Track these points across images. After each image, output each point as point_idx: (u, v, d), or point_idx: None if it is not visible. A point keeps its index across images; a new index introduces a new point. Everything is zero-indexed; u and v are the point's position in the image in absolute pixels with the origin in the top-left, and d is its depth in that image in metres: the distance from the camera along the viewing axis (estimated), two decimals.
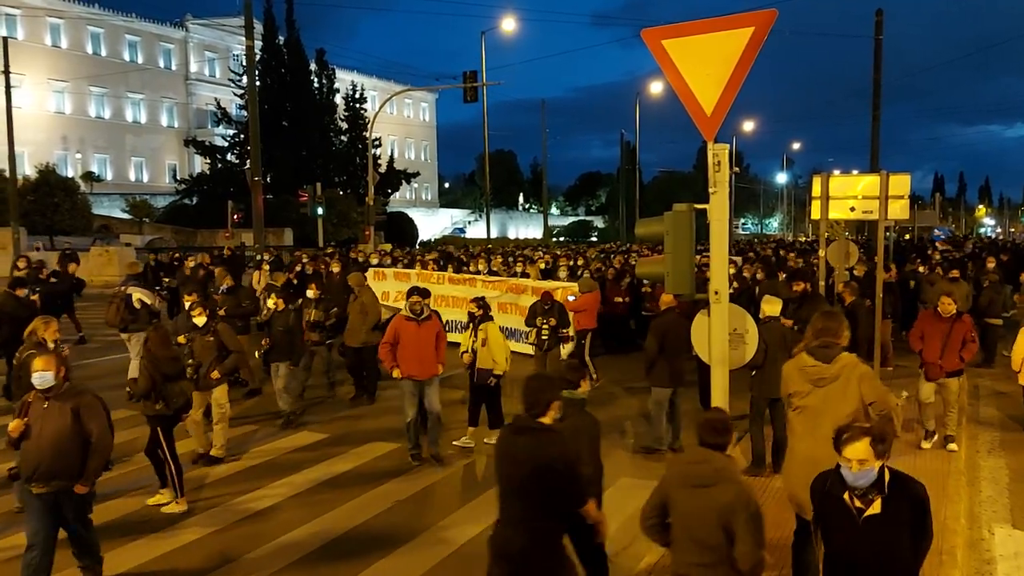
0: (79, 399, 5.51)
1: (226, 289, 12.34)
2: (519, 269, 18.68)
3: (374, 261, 20.66)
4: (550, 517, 4.26)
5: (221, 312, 11.15)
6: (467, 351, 9.35)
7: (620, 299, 15.49)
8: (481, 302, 9.56)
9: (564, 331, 11.90)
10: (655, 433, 9.20)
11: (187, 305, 9.36)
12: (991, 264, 16.22)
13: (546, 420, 4.40)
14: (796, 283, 10.01)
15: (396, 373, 8.75)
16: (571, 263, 21.03)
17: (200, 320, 8.84)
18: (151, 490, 7.66)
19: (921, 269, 17.40)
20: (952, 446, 8.96)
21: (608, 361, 14.46)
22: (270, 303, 10.66)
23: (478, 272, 18.03)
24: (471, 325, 9.44)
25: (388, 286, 17.73)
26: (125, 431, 9.32)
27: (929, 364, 9.03)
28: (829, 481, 3.89)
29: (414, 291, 8.94)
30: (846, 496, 3.80)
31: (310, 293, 11.87)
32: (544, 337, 11.61)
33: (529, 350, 12.74)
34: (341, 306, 12.35)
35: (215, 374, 8.72)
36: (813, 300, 9.72)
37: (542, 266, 19.65)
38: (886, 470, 3.79)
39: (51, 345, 7.28)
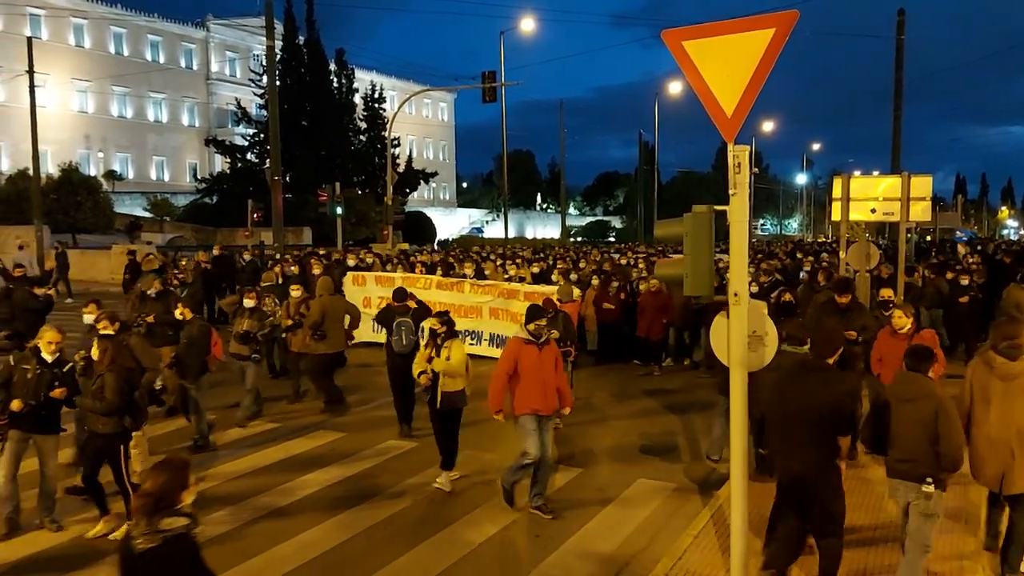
0: None
1: (156, 294, 11.24)
2: (512, 272, 17.32)
3: (351, 263, 18.74)
4: (830, 441, 5.27)
5: (149, 319, 10.51)
6: (425, 372, 8.09)
7: (609, 305, 14.44)
8: (445, 317, 8.29)
9: (567, 346, 10.19)
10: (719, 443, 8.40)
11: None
12: None
13: (830, 362, 5.49)
14: (842, 295, 8.84)
15: (501, 418, 7.42)
16: (569, 266, 19.52)
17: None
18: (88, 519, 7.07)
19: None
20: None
21: (600, 372, 14.04)
22: (177, 313, 9.60)
23: (465, 276, 16.48)
24: (432, 342, 8.15)
25: (369, 291, 16.03)
26: None
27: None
28: None
29: (536, 312, 7.54)
30: None
31: (247, 302, 10.63)
32: None
33: None
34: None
35: None
36: (859, 310, 9.00)
37: (536, 270, 17.69)
38: None
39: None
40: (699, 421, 10.56)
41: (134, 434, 7.15)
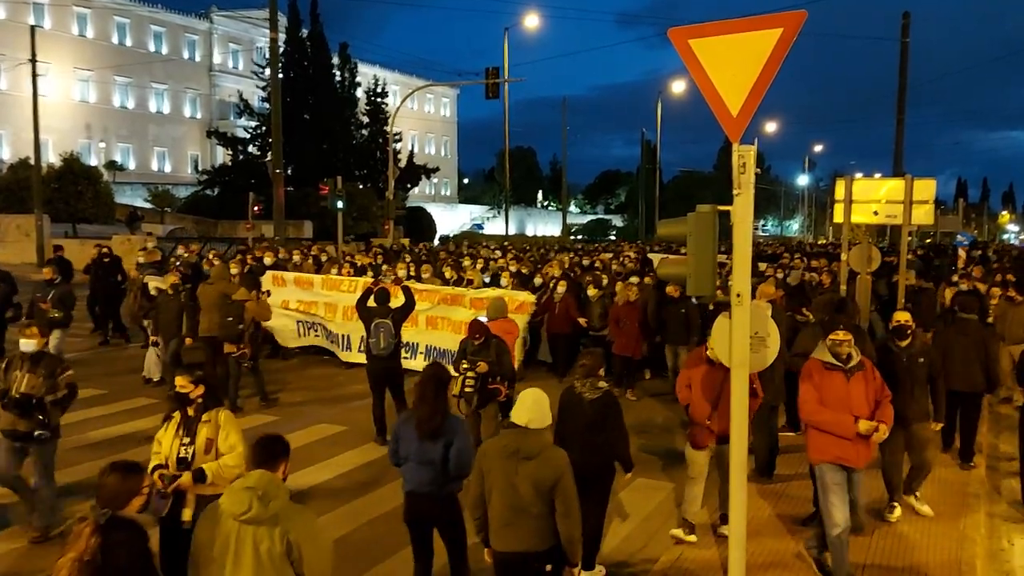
0: None
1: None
2: (449, 275, 15.00)
3: (268, 261, 16.55)
4: None
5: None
6: (161, 468, 4.95)
7: (568, 318, 12.75)
8: (196, 372, 5.22)
9: (497, 383, 8.05)
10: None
11: None
12: None
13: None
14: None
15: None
16: (523, 268, 16.97)
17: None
18: None
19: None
20: (690, 537, 6.63)
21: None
22: None
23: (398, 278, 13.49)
24: (181, 413, 5.17)
25: (288, 294, 14.45)
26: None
27: (695, 426, 6.53)
28: None
29: (838, 322, 6.01)
30: None
31: (26, 343, 6.59)
32: (468, 389, 7.94)
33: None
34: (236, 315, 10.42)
35: None
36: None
37: (487, 278, 15.29)
38: None
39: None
40: None
41: None
